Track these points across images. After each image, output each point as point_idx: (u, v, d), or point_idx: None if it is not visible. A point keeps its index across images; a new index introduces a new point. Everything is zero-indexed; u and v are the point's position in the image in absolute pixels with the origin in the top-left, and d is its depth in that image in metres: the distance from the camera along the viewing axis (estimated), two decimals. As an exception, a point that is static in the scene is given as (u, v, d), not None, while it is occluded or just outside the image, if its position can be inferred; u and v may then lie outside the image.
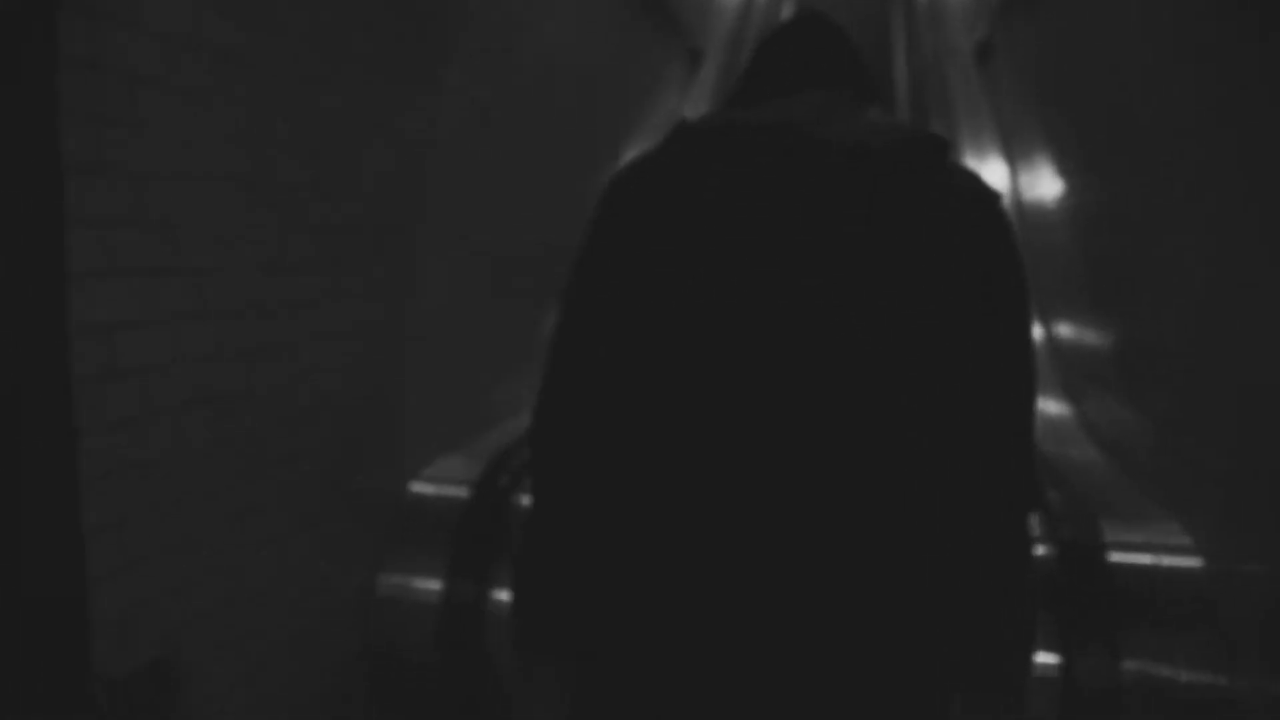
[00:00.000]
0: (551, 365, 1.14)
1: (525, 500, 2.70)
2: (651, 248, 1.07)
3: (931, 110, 6.16)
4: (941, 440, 1.02)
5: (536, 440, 1.14)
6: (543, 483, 1.14)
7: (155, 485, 1.68)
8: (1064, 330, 3.89)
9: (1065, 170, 4.26)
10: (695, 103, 5.85)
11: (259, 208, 1.92)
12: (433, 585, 2.48)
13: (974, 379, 1.03)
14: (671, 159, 1.11)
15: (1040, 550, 2.50)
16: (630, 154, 4.90)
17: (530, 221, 3.47)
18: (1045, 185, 4.56)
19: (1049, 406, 3.44)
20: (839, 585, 1.01)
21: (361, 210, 2.31)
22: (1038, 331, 4.11)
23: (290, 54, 1.97)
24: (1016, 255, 1.08)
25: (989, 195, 1.10)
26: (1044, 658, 2.31)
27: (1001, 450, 1.05)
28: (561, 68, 3.73)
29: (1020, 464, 1.06)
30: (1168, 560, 2.40)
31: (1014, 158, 5.22)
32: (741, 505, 1.01)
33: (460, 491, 2.64)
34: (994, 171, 5.28)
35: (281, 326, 2.03)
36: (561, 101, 3.74)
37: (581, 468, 1.10)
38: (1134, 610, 2.29)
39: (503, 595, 2.49)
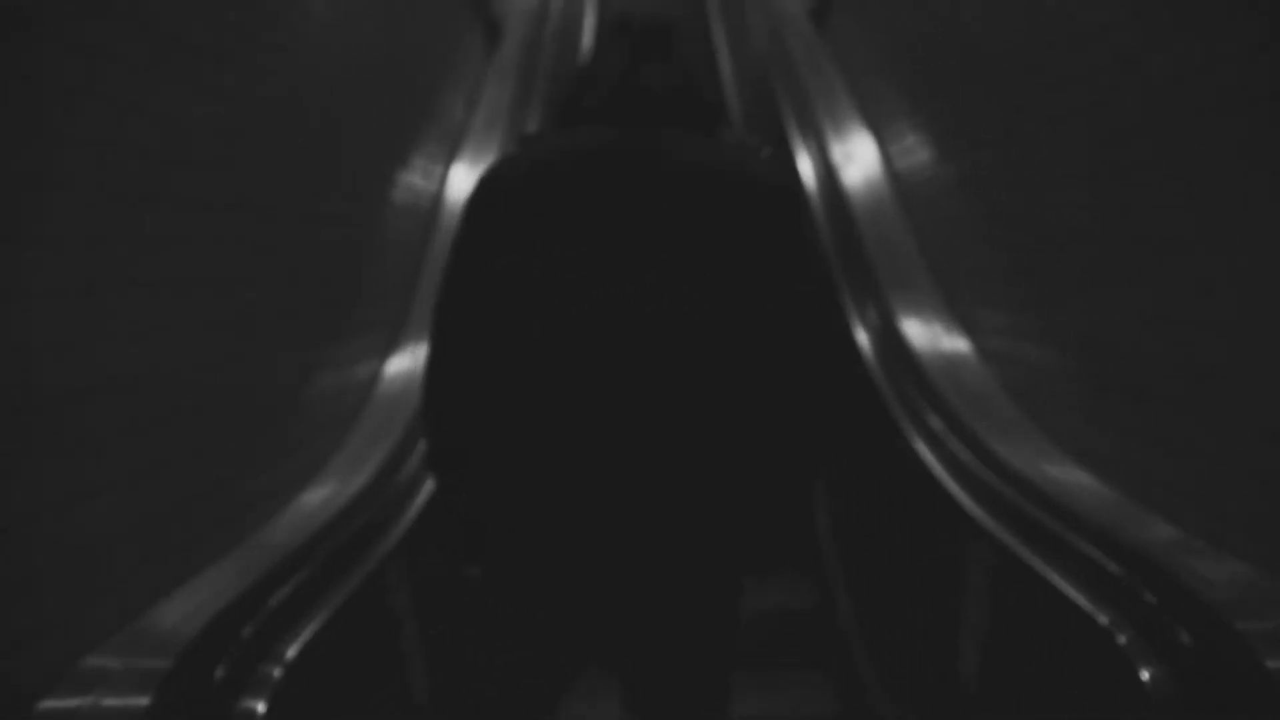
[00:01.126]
0: (437, 340, 1.45)
1: None
2: (512, 245, 1.38)
3: (778, 88, 5.31)
4: (754, 369, 1.38)
5: (429, 402, 1.47)
6: (435, 420, 1.47)
7: None
8: (992, 326, 3.00)
9: (939, 129, 3.45)
10: (496, 80, 4.75)
11: None
12: None
13: (775, 322, 1.37)
14: (518, 172, 1.43)
15: (1145, 675, 1.54)
16: (425, 142, 3.74)
17: (268, 238, 2.28)
18: (918, 151, 3.74)
19: (1029, 453, 2.47)
20: (662, 452, 1.36)
21: None
22: (962, 343, 3.20)
23: None
24: (785, 202, 1.41)
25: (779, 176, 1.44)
26: None
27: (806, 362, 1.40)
28: (332, 40, 2.57)
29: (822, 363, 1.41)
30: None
31: (877, 124, 4.41)
32: (595, 415, 1.35)
33: (140, 699, 1.42)
34: (858, 142, 4.45)
35: None
36: (333, 83, 2.57)
37: (471, 413, 1.42)
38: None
39: None
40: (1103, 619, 1.65)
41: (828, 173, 4.39)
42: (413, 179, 3.56)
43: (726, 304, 1.34)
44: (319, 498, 2.09)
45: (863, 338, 3.51)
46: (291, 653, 1.62)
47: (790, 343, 1.38)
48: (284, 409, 2.19)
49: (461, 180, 4.02)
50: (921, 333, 3.25)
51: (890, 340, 3.29)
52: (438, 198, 3.87)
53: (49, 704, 1.41)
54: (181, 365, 1.77)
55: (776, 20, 5.75)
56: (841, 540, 3.76)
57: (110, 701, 1.42)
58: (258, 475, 2.05)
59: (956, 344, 3.16)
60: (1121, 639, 1.59)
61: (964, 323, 3.23)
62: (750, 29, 6.32)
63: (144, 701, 1.41)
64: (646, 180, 1.36)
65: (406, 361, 2.86)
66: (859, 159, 4.34)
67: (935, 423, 2.71)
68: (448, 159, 4.09)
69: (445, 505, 1.52)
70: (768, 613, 3.58)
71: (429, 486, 2.51)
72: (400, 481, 2.38)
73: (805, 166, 4.66)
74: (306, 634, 1.68)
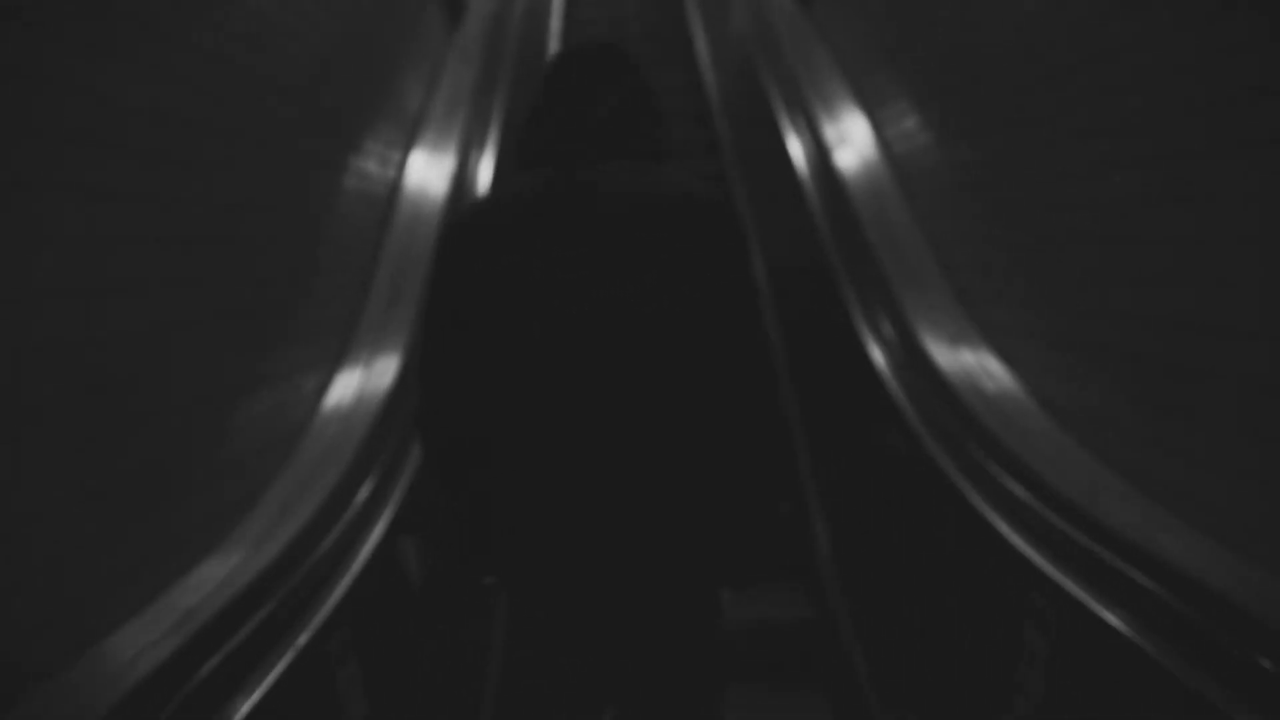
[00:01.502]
0: (425, 359, 1.59)
1: None
2: (486, 275, 1.51)
3: (763, 71, 4.97)
4: (695, 371, 1.49)
5: (424, 414, 1.60)
6: (433, 440, 1.61)
7: None
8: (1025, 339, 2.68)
9: (941, 110, 3.15)
10: (458, 62, 4.38)
11: None
12: None
13: (713, 326, 1.49)
14: (490, 210, 1.57)
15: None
16: (380, 126, 3.37)
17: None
18: (919, 135, 3.43)
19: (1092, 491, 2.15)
20: (626, 454, 1.47)
21: None
22: (969, 359, 2.88)
23: None
24: (719, 222, 1.52)
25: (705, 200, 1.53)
26: None
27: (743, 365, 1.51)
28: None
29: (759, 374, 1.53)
30: None
31: (871, 106, 4.09)
32: (567, 428, 1.48)
33: None
34: (852, 125, 4.13)
35: None
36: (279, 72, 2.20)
37: (461, 422, 1.56)
38: None
39: None
40: (1212, 693, 1.34)
41: (820, 156, 4.07)
42: (367, 165, 3.19)
43: (669, 316, 1.47)
44: (241, 553, 1.73)
45: (865, 329, 3.20)
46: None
47: (726, 341, 1.50)
48: (191, 439, 1.83)
49: (421, 168, 3.65)
50: (929, 326, 2.94)
51: (900, 337, 2.97)
52: (396, 186, 3.50)
53: None
54: (48, 386, 1.41)
55: (760, 3, 5.42)
56: (843, 565, 3.45)
57: None
58: (166, 521, 1.69)
59: (967, 335, 2.85)
60: (1243, 723, 1.28)
61: (971, 314, 2.92)
62: (730, 11, 5.99)
63: None
64: (580, 218, 1.50)
65: (357, 376, 2.51)
66: (854, 142, 4.03)
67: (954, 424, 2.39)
68: (406, 145, 3.72)
69: (449, 506, 1.60)
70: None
71: (382, 524, 2.16)
72: (349, 522, 2.02)
73: (795, 150, 4.35)
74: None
